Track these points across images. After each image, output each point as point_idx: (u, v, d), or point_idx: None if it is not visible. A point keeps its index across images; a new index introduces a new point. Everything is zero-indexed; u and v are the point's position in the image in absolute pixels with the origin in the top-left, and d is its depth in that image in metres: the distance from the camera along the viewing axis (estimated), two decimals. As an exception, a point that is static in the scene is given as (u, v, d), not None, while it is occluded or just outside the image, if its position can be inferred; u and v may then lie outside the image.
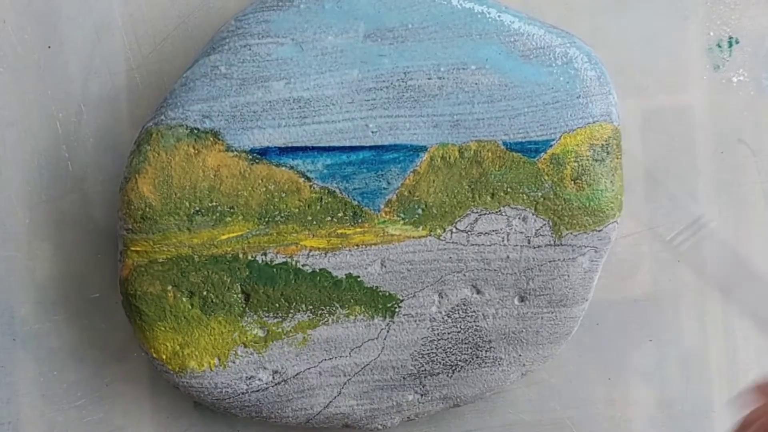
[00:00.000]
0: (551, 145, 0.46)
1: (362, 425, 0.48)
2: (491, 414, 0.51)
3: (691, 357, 0.52)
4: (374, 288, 0.46)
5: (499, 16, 0.45)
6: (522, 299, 0.47)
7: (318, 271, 0.46)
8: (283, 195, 0.45)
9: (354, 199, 0.45)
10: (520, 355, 0.47)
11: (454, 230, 0.46)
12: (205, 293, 0.45)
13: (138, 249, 0.45)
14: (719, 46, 0.51)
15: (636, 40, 0.51)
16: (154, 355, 0.46)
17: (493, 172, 0.45)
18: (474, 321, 0.46)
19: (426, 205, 0.45)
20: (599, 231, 0.46)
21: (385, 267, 0.46)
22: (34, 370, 0.50)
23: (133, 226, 0.45)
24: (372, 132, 0.45)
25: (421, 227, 0.46)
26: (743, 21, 0.51)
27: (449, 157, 0.45)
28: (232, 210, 0.45)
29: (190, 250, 0.45)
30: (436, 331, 0.47)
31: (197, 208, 0.45)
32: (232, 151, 0.45)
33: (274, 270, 0.45)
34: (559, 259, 0.46)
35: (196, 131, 0.45)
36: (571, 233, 0.46)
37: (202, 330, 0.46)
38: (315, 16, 0.45)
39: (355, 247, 0.45)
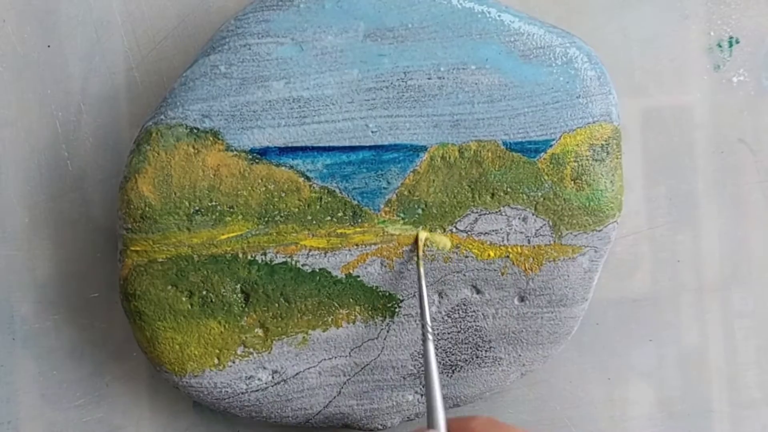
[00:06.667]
0: (551, 145, 0.46)
1: (362, 425, 0.48)
2: (491, 414, 0.51)
3: (691, 357, 0.52)
4: (374, 288, 0.46)
5: (499, 16, 0.45)
6: (522, 299, 0.47)
7: (318, 270, 0.46)
8: (283, 195, 0.45)
9: (354, 199, 0.45)
10: (520, 355, 0.47)
11: (454, 230, 0.46)
12: (204, 293, 0.45)
13: (137, 248, 0.45)
14: (719, 46, 0.51)
15: (636, 39, 0.51)
16: (154, 355, 0.46)
17: (493, 172, 0.45)
18: (474, 321, 0.46)
19: (426, 205, 0.45)
20: (599, 231, 0.46)
21: (385, 267, 0.46)
22: (33, 369, 0.50)
23: (132, 225, 0.45)
24: (372, 132, 0.45)
25: (421, 227, 0.46)
26: (743, 21, 0.51)
27: (449, 157, 0.45)
28: (231, 210, 0.45)
29: (190, 250, 0.45)
30: (436, 331, 0.47)
31: (197, 208, 0.45)
32: (232, 150, 0.45)
33: (274, 270, 0.45)
34: (559, 259, 0.46)
35: (195, 131, 0.45)
36: (571, 233, 0.46)
37: (201, 330, 0.46)
38: (315, 16, 0.45)
39: (355, 246, 0.45)
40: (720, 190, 0.52)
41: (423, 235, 0.45)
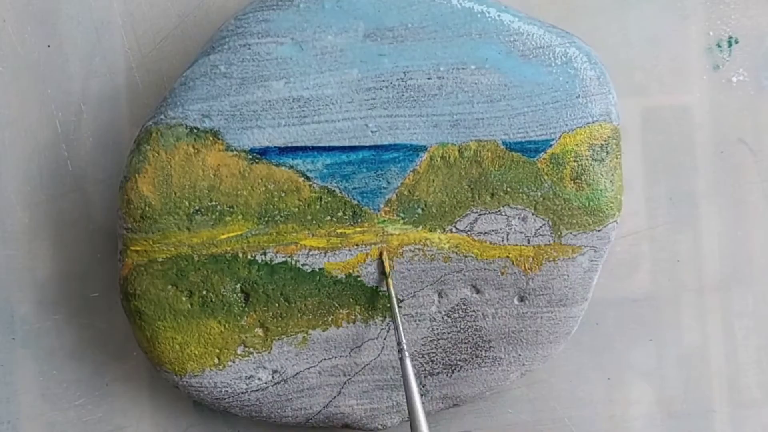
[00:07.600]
0: (551, 145, 0.46)
1: (362, 425, 0.48)
2: (491, 414, 0.51)
3: (691, 357, 0.52)
4: (374, 288, 0.46)
5: (498, 16, 0.45)
6: (521, 299, 0.47)
7: (318, 270, 0.46)
8: (283, 194, 0.45)
9: (354, 199, 0.45)
10: (519, 355, 0.47)
11: (453, 230, 0.46)
12: (204, 293, 0.45)
13: (138, 248, 0.45)
14: (719, 46, 0.51)
15: (636, 39, 0.51)
16: (154, 355, 0.46)
17: (492, 171, 0.45)
18: (474, 321, 0.46)
19: (426, 205, 0.45)
20: (599, 231, 0.46)
21: (385, 266, 0.46)
22: (33, 369, 0.50)
23: (132, 225, 0.45)
24: (372, 131, 0.45)
25: (420, 227, 0.46)
26: (743, 21, 0.51)
27: (449, 157, 0.45)
28: (231, 209, 0.45)
29: (190, 250, 0.45)
30: (436, 330, 0.47)
31: (197, 208, 0.45)
32: (232, 150, 0.45)
33: (274, 269, 0.45)
34: (558, 259, 0.46)
35: (195, 130, 0.45)
36: (571, 233, 0.46)
37: (201, 329, 0.46)
38: (315, 16, 0.45)
39: (355, 246, 0.45)
40: (720, 190, 0.52)
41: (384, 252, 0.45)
